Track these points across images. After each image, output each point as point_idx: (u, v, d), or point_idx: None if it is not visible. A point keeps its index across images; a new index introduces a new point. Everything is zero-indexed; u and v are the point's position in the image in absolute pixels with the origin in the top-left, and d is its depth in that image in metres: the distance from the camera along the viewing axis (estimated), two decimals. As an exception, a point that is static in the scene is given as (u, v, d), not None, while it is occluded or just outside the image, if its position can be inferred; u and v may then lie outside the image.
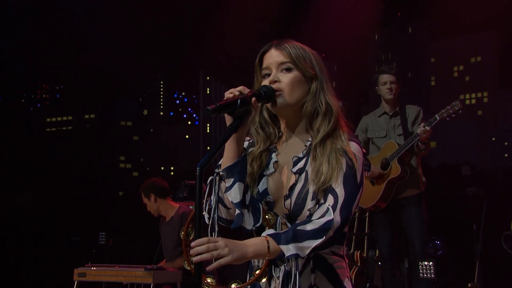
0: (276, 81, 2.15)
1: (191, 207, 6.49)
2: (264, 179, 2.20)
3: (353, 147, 2.15)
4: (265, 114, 2.27)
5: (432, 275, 5.42)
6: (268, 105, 2.20)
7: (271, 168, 2.21)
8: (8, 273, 9.13)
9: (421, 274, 5.48)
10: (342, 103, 2.24)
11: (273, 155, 2.23)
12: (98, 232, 7.25)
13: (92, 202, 12.41)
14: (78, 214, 11.33)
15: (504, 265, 7.92)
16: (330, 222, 2.01)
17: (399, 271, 5.91)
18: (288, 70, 2.16)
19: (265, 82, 2.18)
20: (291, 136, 2.24)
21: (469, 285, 6.29)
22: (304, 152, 2.18)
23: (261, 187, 2.19)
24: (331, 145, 2.13)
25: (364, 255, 6.74)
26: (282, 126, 2.27)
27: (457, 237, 7.76)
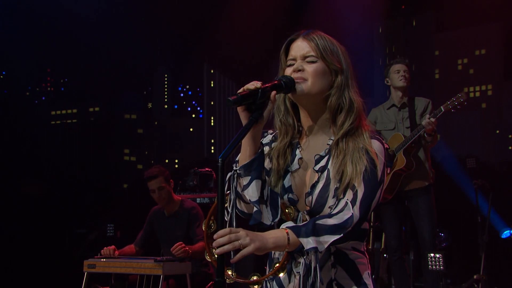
0: (300, 70, 2.16)
1: (198, 200, 6.52)
2: (289, 176, 2.21)
3: (375, 145, 2.16)
4: (287, 104, 2.27)
5: (441, 267, 5.46)
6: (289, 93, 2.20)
7: (295, 165, 2.22)
8: (17, 264, 9.19)
9: (430, 266, 5.52)
10: (363, 102, 2.24)
11: (297, 151, 2.24)
12: (106, 224, 7.28)
13: (97, 195, 12.43)
14: (83, 206, 11.36)
15: (510, 257, 7.94)
16: (350, 219, 2.04)
17: (406, 263, 5.95)
18: (313, 62, 2.17)
19: (289, 70, 2.19)
20: (313, 130, 2.25)
21: (474, 276, 6.33)
22: (326, 150, 2.19)
23: (286, 183, 2.20)
24: (353, 143, 2.14)
25: (370, 247, 6.78)
26: (303, 118, 2.26)
27: (462, 229, 7.77)
